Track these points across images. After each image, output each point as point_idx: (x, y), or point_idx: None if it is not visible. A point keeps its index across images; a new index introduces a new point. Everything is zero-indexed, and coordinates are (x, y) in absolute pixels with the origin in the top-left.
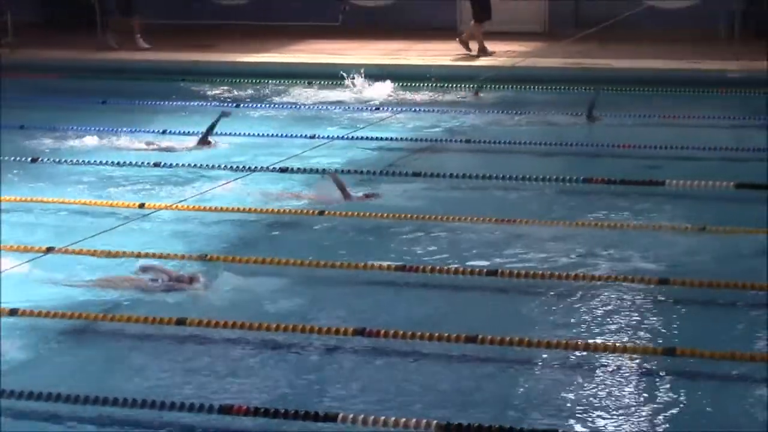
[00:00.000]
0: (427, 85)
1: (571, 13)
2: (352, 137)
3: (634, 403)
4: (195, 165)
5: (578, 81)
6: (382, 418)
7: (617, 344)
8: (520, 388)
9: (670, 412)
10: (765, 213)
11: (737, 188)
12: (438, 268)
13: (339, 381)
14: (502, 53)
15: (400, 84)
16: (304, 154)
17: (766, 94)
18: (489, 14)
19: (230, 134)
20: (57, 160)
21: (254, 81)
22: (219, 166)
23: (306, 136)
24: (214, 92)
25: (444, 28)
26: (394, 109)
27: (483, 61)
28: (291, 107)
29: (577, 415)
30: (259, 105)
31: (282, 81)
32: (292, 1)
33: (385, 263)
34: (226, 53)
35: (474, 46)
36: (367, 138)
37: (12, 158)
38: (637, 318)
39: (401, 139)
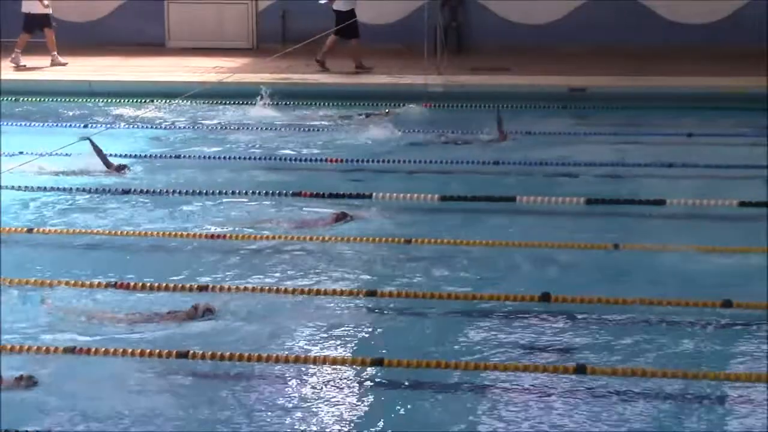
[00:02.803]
0: (142, 100)
1: (278, 29)
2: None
3: (345, 413)
4: None
5: (287, 96)
6: None
7: (328, 356)
8: (232, 403)
9: (378, 421)
10: (469, 223)
11: (442, 200)
12: (141, 284)
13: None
14: (210, 69)
15: (113, 100)
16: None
17: (468, 108)
18: (347, 34)
19: None
20: None
21: None
22: None
23: (7, 154)
24: None
25: (152, 44)
26: (106, 125)
27: (191, 77)
28: None
29: (289, 426)
30: None
31: None
32: None
33: (97, 280)
34: None
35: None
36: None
37: None
38: (347, 330)
39: (111, 155)
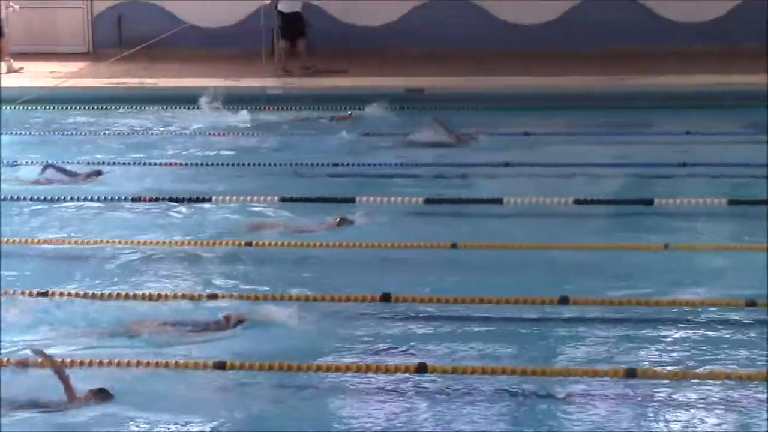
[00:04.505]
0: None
1: (114, 33)
2: None
3: (185, 416)
4: None
5: (125, 100)
6: None
7: (170, 361)
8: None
9: (220, 425)
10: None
11: (282, 201)
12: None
13: None
14: (47, 74)
15: None
16: None
17: (307, 109)
18: (292, 35)
19: None
20: None
21: None
22: None
23: None
24: None
25: None
26: None
27: (29, 83)
28: None
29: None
30: None
31: None
32: None
33: None
34: None
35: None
36: None
37: None
38: (189, 334)
39: None
